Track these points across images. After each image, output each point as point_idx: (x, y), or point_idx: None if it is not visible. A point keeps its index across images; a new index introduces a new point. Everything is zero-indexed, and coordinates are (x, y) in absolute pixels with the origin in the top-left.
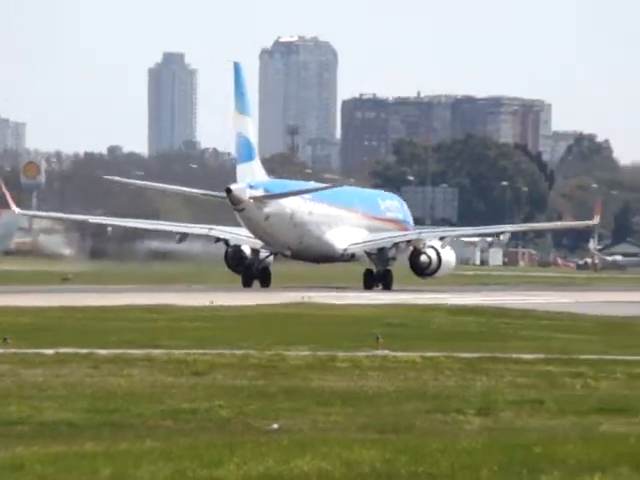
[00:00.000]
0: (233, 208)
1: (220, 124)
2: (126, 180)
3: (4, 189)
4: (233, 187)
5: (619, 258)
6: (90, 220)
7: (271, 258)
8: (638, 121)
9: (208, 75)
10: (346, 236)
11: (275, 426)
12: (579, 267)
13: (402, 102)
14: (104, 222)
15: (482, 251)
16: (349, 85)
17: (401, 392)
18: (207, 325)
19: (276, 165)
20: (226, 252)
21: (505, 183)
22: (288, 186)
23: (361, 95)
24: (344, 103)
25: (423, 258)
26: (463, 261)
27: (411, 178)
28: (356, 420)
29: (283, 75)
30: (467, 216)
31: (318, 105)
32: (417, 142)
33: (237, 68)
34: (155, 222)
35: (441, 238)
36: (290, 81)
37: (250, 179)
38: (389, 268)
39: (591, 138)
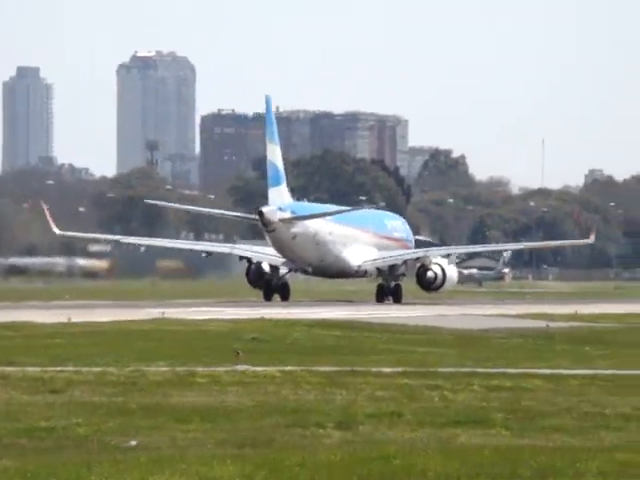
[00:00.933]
0: (265, 229)
1: (76, 139)
2: (166, 204)
3: (46, 210)
4: (265, 210)
5: (475, 272)
6: (122, 240)
7: (288, 274)
8: (493, 137)
9: (64, 89)
10: (360, 254)
11: (133, 443)
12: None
13: (261, 117)
14: (136, 242)
15: None
16: (208, 100)
17: (260, 407)
18: (64, 342)
19: (135, 181)
20: (248, 269)
21: (363, 198)
22: (312, 209)
23: (220, 110)
24: (203, 118)
25: (429, 274)
26: None
27: None
28: (215, 436)
29: (141, 90)
30: None
31: (177, 120)
32: None
33: (268, 101)
34: (179, 241)
35: (447, 256)
36: (148, 96)
37: (279, 202)
38: (399, 283)
39: (447, 153)
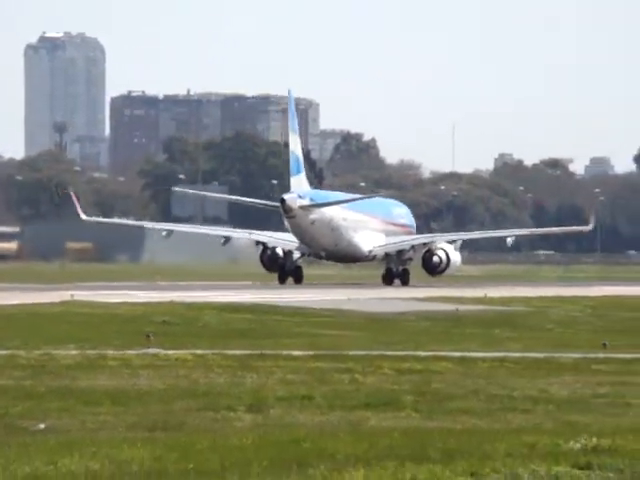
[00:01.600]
0: (285, 215)
1: None
2: (192, 191)
3: (74, 197)
4: (286, 197)
5: None
6: (145, 225)
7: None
8: (404, 121)
9: None
10: (370, 239)
11: (41, 426)
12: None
13: (172, 100)
14: (158, 227)
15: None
16: (118, 82)
17: (172, 390)
18: None
19: (43, 163)
20: (262, 253)
21: (275, 181)
22: (328, 196)
23: (130, 92)
24: (113, 100)
25: (435, 259)
26: (233, 260)
27: (182, 176)
28: (126, 419)
29: (49, 71)
30: (238, 214)
31: (86, 102)
32: (188, 140)
33: (290, 95)
34: (199, 227)
35: (452, 242)
36: (57, 77)
37: (299, 190)
38: (407, 267)
39: (358, 137)
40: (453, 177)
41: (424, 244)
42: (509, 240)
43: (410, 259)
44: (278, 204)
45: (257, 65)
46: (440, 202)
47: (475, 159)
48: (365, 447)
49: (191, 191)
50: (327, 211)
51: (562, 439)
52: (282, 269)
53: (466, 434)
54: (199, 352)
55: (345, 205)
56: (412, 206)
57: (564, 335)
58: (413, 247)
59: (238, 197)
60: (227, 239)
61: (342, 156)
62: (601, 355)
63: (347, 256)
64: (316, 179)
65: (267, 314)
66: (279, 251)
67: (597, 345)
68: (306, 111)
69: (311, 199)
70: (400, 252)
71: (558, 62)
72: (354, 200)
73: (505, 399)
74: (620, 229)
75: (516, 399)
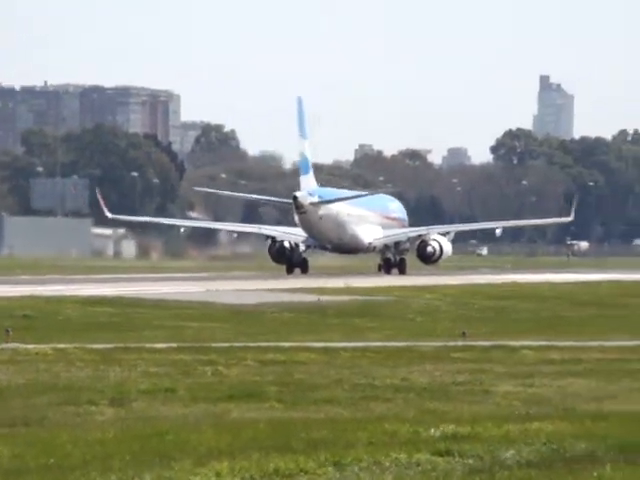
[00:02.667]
0: (297, 211)
1: None
2: (211, 190)
3: (99, 195)
4: (298, 195)
5: (248, 248)
6: (163, 221)
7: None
8: (264, 112)
9: None
10: (369, 232)
11: None
12: (210, 258)
13: (29, 91)
14: (177, 223)
15: (115, 242)
16: None
17: (32, 385)
18: None
19: None
20: (270, 246)
21: (136, 174)
22: (333, 194)
23: None
24: None
25: (429, 249)
26: (95, 253)
27: (40, 169)
28: None
29: None
30: (99, 206)
31: None
32: (46, 132)
33: (300, 102)
34: (213, 223)
35: (445, 233)
36: None
37: (309, 188)
38: (404, 257)
39: (219, 128)
40: (314, 168)
41: (419, 236)
42: (498, 231)
43: (406, 249)
44: (289, 201)
45: (115, 56)
46: None
47: (335, 150)
48: (229, 439)
49: (209, 190)
50: (333, 207)
51: (422, 427)
52: (289, 261)
53: (329, 424)
54: (60, 346)
55: (349, 202)
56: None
57: (424, 324)
58: (409, 239)
59: (252, 195)
60: (240, 234)
61: (203, 148)
62: (460, 343)
63: (350, 248)
64: (177, 172)
65: (130, 307)
66: (286, 244)
67: (457, 334)
68: (167, 103)
69: (319, 196)
70: (397, 243)
71: (412, 52)
72: (356, 197)
73: (367, 388)
74: (477, 219)
75: (378, 388)
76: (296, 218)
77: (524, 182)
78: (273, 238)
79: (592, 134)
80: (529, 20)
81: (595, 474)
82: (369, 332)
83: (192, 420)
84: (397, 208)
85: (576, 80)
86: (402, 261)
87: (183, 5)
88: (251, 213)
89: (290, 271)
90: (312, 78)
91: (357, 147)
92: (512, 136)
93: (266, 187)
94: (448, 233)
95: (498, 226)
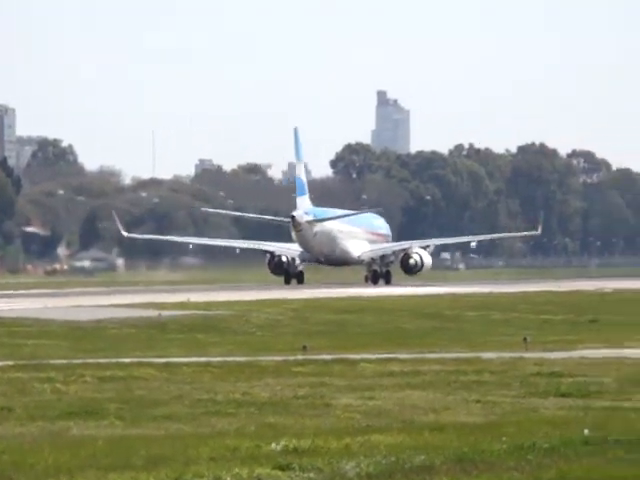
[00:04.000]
0: (294, 229)
1: None
2: (217, 210)
3: (115, 215)
4: (296, 214)
5: (87, 264)
6: (174, 239)
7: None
8: (102, 126)
9: None
10: (358, 247)
11: None
12: (47, 273)
13: None
14: (184, 241)
15: None
16: None
17: None
18: None
19: None
20: (269, 260)
21: None
22: (326, 213)
23: None
24: None
25: (412, 261)
26: None
27: None
28: None
29: None
30: None
31: None
32: None
33: (296, 132)
34: (213, 240)
35: (426, 247)
36: None
37: (304, 208)
38: (389, 269)
39: (56, 143)
40: (154, 183)
41: (403, 249)
42: (473, 244)
43: (392, 262)
44: (287, 219)
45: None
46: (142, 209)
47: (175, 165)
48: (67, 457)
49: (215, 210)
50: (326, 224)
51: (264, 441)
52: (287, 273)
53: (170, 440)
54: None
55: (339, 219)
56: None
57: (266, 338)
58: (394, 252)
59: (249, 214)
60: (241, 250)
61: (39, 163)
62: (301, 357)
63: (341, 260)
64: (14, 187)
65: None
66: (284, 258)
67: (297, 347)
68: (1, 117)
69: (314, 215)
70: (383, 256)
71: (249, 67)
72: (346, 216)
73: (209, 403)
74: None
75: (220, 403)
76: (293, 235)
77: (364, 196)
78: (272, 253)
79: (428, 148)
80: (366, 36)
81: None
82: (210, 347)
83: (29, 439)
84: (382, 225)
85: (412, 95)
86: (388, 272)
87: (18, 15)
88: (91, 229)
89: (288, 282)
90: (152, 91)
91: (197, 162)
92: (351, 150)
93: (106, 202)
94: (428, 246)
95: (474, 240)
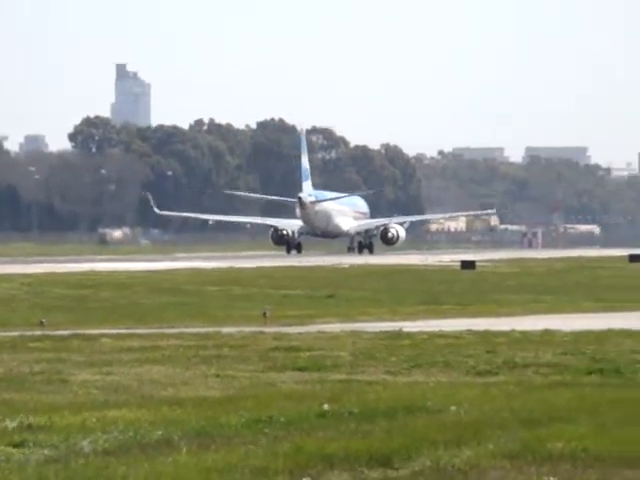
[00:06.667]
0: (300, 208)
1: None
2: (238, 192)
3: (149, 194)
4: (302, 195)
5: None
6: (202, 217)
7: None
8: None
9: None
10: (346, 222)
11: None
12: None
13: None
14: (204, 217)
15: None
16: None
17: None
18: None
19: None
20: (272, 233)
21: None
22: (324, 195)
23: None
24: None
25: (389, 235)
26: None
27: None
28: None
29: None
30: None
31: None
32: None
33: (302, 133)
34: (229, 217)
35: (402, 223)
36: None
37: (308, 191)
38: (372, 241)
39: None
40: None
41: (383, 224)
42: (441, 221)
43: (374, 235)
44: (294, 200)
45: None
46: None
47: None
48: None
49: (237, 192)
50: (324, 204)
51: None
52: (288, 244)
53: None
54: None
55: (333, 200)
56: None
57: (1, 313)
58: (376, 227)
59: (262, 195)
60: (250, 225)
61: None
62: (38, 332)
63: (334, 234)
64: None
65: None
66: (285, 232)
67: (34, 323)
68: None
69: (315, 197)
70: (367, 230)
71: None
72: (338, 198)
73: None
74: (56, 207)
75: None
76: (298, 212)
77: (103, 171)
78: (275, 227)
79: (169, 122)
80: (103, 7)
81: (170, 459)
82: None
83: None
84: (363, 205)
85: (153, 68)
86: (371, 244)
87: None
88: None
89: (289, 251)
90: None
91: None
92: (90, 124)
93: None
94: (405, 222)
95: (436, 217)
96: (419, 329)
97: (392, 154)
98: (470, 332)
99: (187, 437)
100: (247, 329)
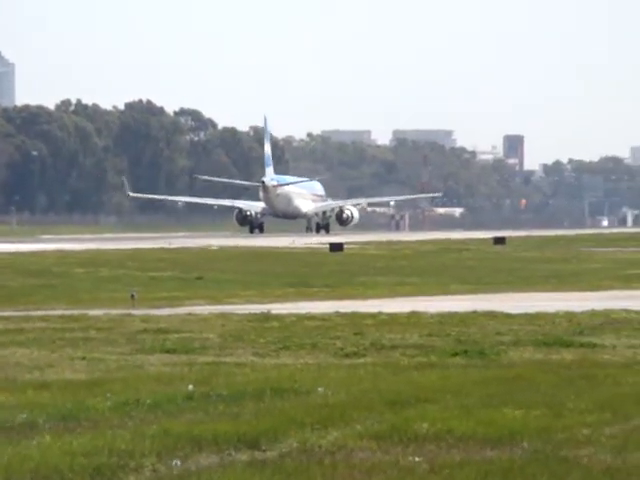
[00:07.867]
0: (263, 191)
1: None
2: (210, 178)
3: (124, 178)
4: (265, 180)
5: None
6: (170, 198)
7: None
8: None
9: None
10: (305, 205)
11: None
12: None
13: None
14: (174, 199)
15: None
16: None
17: None
18: None
19: None
20: (237, 214)
21: None
22: (285, 179)
23: None
24: None
25: (344, 216)
26: None
27: None
28: None
29: None
30: None
31: None
32: None
33: (265, 120)
34: (199, 199)
35: (357, 204)
36: None
37: (270, 175)
38: (328, 222)
39: None
40: None
41: (339, 206)
42: (392, 203)
43: (330, 216)
44: (258, 184)
45: None
46: None
47: None
48: None
49: (210, 178)
50: (285, 188)
51: None
52: (251, 224)
53: None
54: None
55: (293, 185)
56: None
57: None
58: (332, 209)
59: (232, 180)
60: (217, 206)
61: None
62: None
63: (294, 215)
64: None
65: None
66: (248, 213)
67: None
68: None
69: (277, 181)
70: (324, 212)
71: None
72: (298, 182)
73: None
74: None
75: None
76: (261, 195)
77: None
78: (240, 209)
79: (35, 102)
80: None
81: (35, 442)
82: None
83: None
84: (320, 189)
85: (18, 48)
86: (327, 225)
87: None
88: None
89: (252, 231)
90: None
91: None
92: None
93: None
94: (359, 204)
95: (393, 199)
96: (288, 311)
97: (261, 136)
98: (338, 314)
99: (52, 420)
100: (114, 311)
